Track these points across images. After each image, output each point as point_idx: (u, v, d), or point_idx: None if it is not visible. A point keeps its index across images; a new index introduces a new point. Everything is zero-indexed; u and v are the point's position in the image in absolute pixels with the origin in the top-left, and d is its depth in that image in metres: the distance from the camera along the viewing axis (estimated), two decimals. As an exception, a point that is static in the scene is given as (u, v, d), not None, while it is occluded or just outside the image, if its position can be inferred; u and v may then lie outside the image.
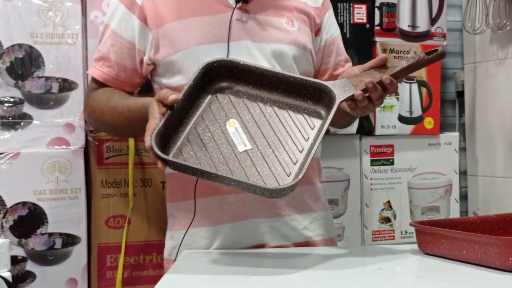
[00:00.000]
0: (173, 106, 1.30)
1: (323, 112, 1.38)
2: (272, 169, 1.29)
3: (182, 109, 1.33)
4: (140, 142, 1.93)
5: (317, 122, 1.37)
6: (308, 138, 1.34)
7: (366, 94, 1.36)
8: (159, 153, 1.24)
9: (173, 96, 1.30)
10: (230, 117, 1.36)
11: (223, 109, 1.38)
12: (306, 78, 1.41)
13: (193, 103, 1.37)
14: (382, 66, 1.41)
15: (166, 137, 1.30)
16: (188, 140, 1.32)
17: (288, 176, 1.27)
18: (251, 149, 1.32)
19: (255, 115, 1.37)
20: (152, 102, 1.33)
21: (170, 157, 1.27)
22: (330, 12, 1.70)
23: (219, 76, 1.40)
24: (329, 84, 1.37)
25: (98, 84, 1.61)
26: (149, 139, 1.25)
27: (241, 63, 1.41)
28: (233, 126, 1.35)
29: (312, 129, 1.36)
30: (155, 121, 1.28)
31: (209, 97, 1.39)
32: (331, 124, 1.35)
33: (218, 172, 1.24)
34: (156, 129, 1.26)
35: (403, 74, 1.41)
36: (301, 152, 1.31)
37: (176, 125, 1.33)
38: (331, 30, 1.69)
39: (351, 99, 1.36)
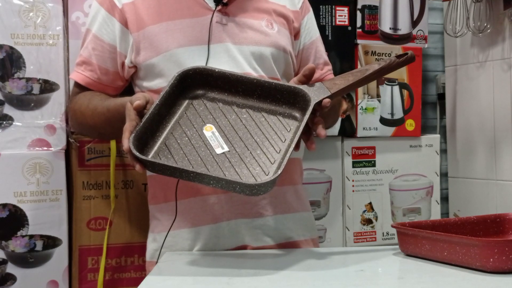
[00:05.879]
0: (150, 110, 1.31)
1: (298, 115, 1.39)
2: (250, 169, 1.29)
3: (159, 114, 1.34)
4: (122, 143, 1.92)
5: (293, 124, 1.38)
6: (284, 140, 1.35)
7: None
8: (138, 154, 1.24)
9: (137, 102, 1.30)
10: (207, 123, 1.37)
11: (199, 115, 1.38)
12: (281, 83, 1.43)
13: (169, 109, 1.38)
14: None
15: (143, 142, 1.30)
16: (165, 145, 1.32)
17: (267, 175, 1.28)
18: (229, 151, 1.32)
19: (231, 120, 1.38)
20: (128, 103, 1.33)
21: (148, 158, 1.27)
22: (309, 15, 1.71)
23: (195, 83, 1.41)
24: (303, 87, 1.38)
25: (81, 88, 1.60)
26: (127, 141, 1.25)
27: (216, 70, 1.42)
28: (209, 131, 1.35)
29: (288, 131, 1.36)
30: (132, 123, 1.29)
31: (185, 103, 1.40)
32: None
33: (197, 170, 1.24)
34: (134, 132, 1.26)
35: (376, 77, 1.45)
36: (278, 152, 1.32)
37: (152, 130, 1.33)
38: (310, 33, 1.70)
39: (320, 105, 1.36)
